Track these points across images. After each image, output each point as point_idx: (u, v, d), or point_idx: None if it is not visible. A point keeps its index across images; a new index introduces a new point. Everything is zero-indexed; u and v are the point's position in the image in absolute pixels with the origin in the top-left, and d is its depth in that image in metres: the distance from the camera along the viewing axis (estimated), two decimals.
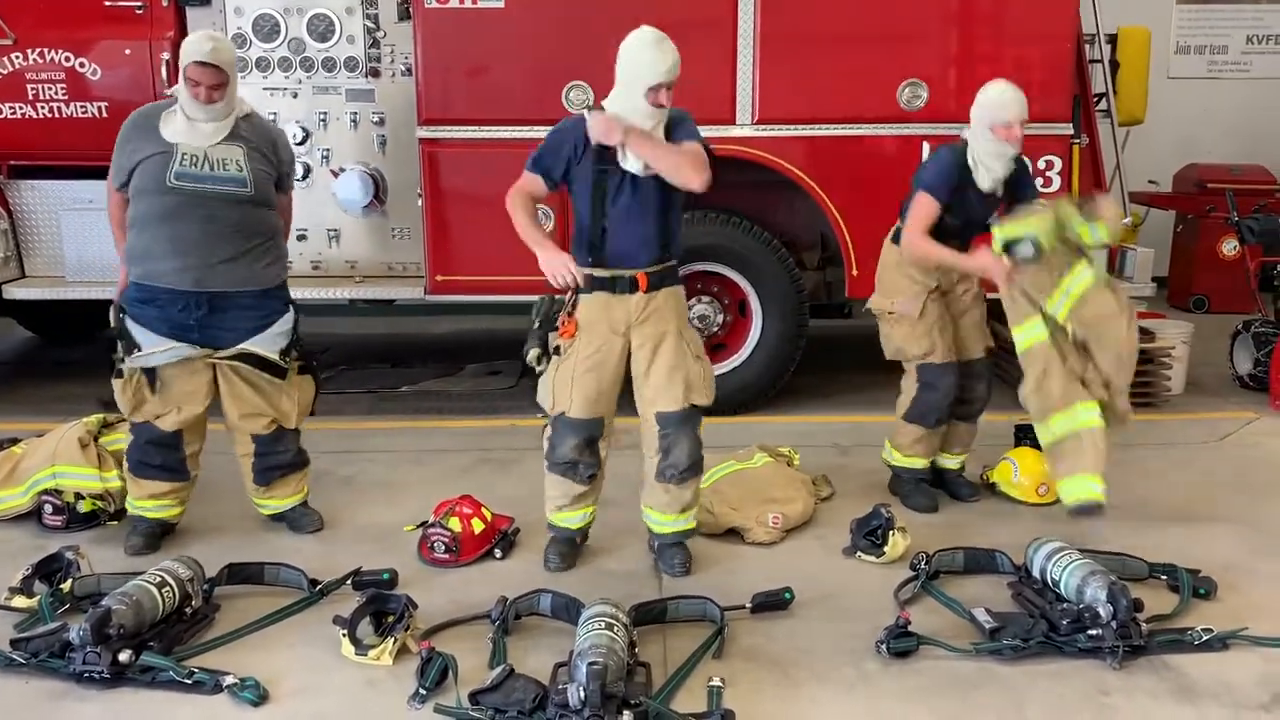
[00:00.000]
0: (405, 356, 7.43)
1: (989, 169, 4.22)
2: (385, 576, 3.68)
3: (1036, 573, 3.63)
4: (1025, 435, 4.94)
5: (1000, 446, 4.96)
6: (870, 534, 3.99)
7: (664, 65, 3.59)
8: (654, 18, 5.46)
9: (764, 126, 5.59)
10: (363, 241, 5.98)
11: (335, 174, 5.82)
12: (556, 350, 3.80)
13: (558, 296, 3.80)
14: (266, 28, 5.72)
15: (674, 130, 3.71)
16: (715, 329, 5.94)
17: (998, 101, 4.16)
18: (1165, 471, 5.01)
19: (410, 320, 8.43)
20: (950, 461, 4.70)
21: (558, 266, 3.58)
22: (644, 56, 3.61)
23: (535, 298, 3.88)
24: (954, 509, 4.57)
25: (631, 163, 3.64)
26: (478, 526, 3.96)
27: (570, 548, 4.03)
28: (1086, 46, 6.08)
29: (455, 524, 3.93)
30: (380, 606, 3.32)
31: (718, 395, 5.72)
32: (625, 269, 3.72)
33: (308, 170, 5.85)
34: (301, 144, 5.81)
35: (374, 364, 7.27)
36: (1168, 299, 9.08)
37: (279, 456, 4.19)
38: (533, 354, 3.80)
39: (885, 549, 3.92)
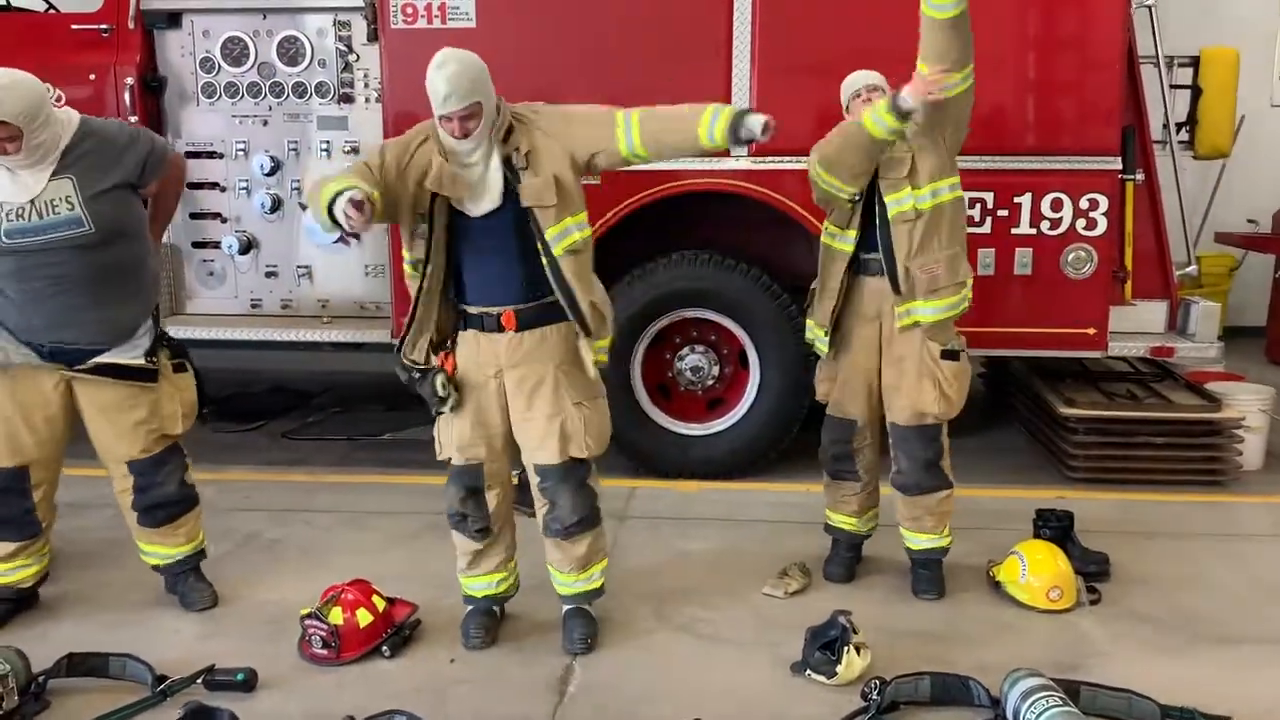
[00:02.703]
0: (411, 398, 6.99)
1: None
2: (240, 677, 3.19)
3: (1010, 715, 2.93)
4: (1046, 522, 4.21)
5: (1016, 533, 4.23)
6: (827, 647, 3.33)
7: (441, 92, 3.15)
8: (641, 40, 5.08)
9: (762, 158, 4.98)
10: (334, 279, 5.57)
11: (303, 207, 5.43)
12: (457, 386, 3.45)
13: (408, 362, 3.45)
14: (235, 51, 5.38)
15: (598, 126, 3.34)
16: (711, 382, 5.34)
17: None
18: (1218, 571, 4.18)
19: None
20: (915, 540, 3.97)
21: None
22: (429, 81, 3.18)
23: None
24: (946, 612, 3.85)
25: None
26: (364, 619, 3.44)
27: (490, 619, 3.64)
28: (1159, 70, 5.32)
29: (336, 615, 3.41)
30: None
31: (713, 458, 5.30)
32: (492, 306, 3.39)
33: (278, 203, 5.48)
34: (271, 174, 5.45)
35: (372, 406, 6.87)
36: (1266, 352, 8.09)
37: (162, 490, 3.72)
38: (441, 377, 3.40)
39: (839, 668, 3.26)
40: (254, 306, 5.62)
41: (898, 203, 3.70)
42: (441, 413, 3.46)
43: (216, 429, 6.23)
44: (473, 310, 3.41)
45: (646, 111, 3.33)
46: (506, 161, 3.27)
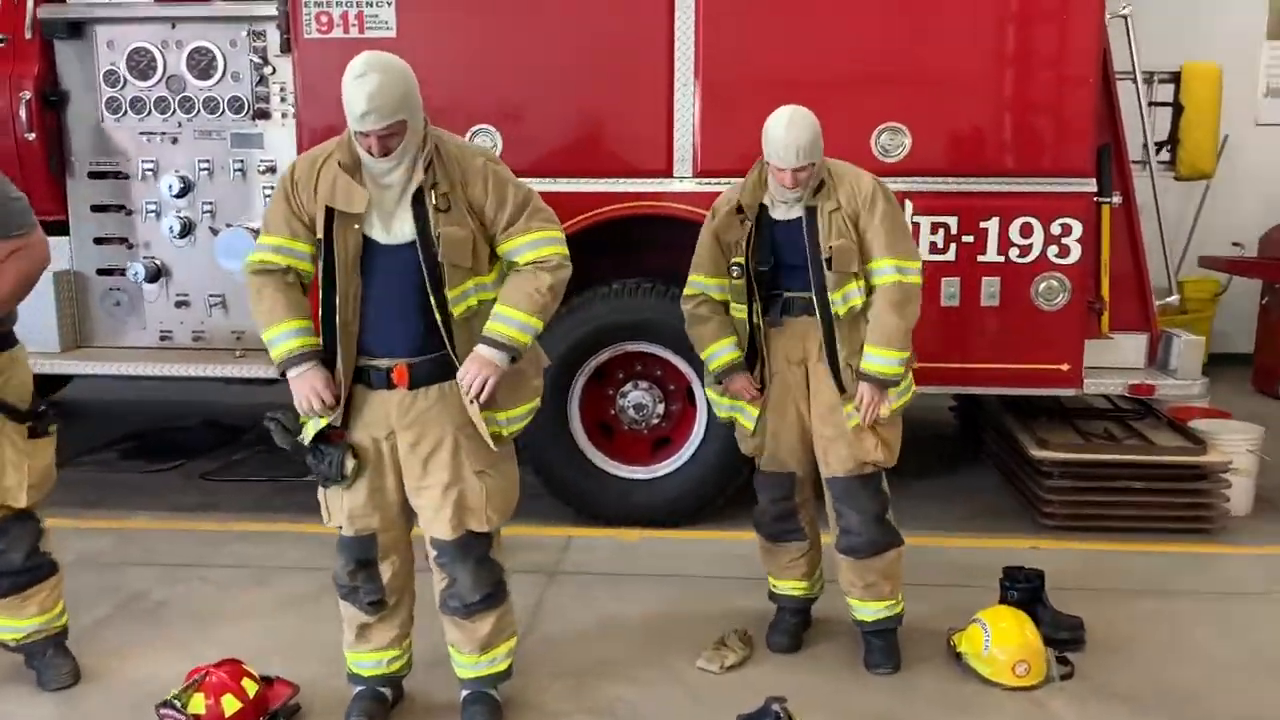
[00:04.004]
0: None
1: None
2: None
3: None
4: (1014, 583, 3.79)
5: (983, 591, 3.83)
6: None
7: (358, 109, 2.72)
8: (575, 53, 4.69)
9: (707, 180, 4.59)
10: (249, 309, 5.12)
11: (214, 232, 5.02)
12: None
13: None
14: (142, 64, 4.97)
15: (510, 221, 2.92)
16: (656, 420, 4.92)
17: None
18: (1203, 637, 3.78)
19: None
20: (862, 610, 3.56)
21: None
22: (345, 92, 2.75)
23: None
24: (900, 688, 3.43)
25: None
26: (230, 706, 3.01)
27: (377, 705, 3.19)
28: (1136, 86, 4.96)
29: (198, 704, 2.99)
30: None
31: (657, 504, 4.88)
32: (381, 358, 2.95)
33: (189, 227, 5.07)
34: (181, 196, 5.04)
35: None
36: (1252, 381, 7.72)
37: (4, 558, 3.28)
38: (352, 463, 2.96)
39: None
40: (164, 339, 5.20)
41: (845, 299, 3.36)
42: (331, 485, 3.02)
43: (128, 469, 5.80)
44: (360, 362, 2.96)
45: (531, 275, 2.94)
46: (418, 196, 2.84)
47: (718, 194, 4.50)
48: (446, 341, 2.89)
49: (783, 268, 3.45)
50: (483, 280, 2.94)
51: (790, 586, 3.71)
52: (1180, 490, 4.72)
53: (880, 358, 3.31)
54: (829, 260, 3.30)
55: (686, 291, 3.61)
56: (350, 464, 2.95)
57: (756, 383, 3.50)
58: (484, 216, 2.91)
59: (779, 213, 3.45)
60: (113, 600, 4.05)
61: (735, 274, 3.45)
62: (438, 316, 2.87)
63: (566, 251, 2.99)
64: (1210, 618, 3.94)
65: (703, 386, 4.70)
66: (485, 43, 4.63)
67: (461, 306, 2.90)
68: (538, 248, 2.93)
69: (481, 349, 2.87)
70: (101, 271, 5.17)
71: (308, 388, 2.88)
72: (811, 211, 3.35)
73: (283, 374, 2.94)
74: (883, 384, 3.32)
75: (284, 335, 2.92)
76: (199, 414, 6.91)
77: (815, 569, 3.74)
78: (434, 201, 2.84)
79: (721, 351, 3.51)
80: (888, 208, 3.37)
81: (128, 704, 3.28)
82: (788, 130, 3.24)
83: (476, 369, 2.85)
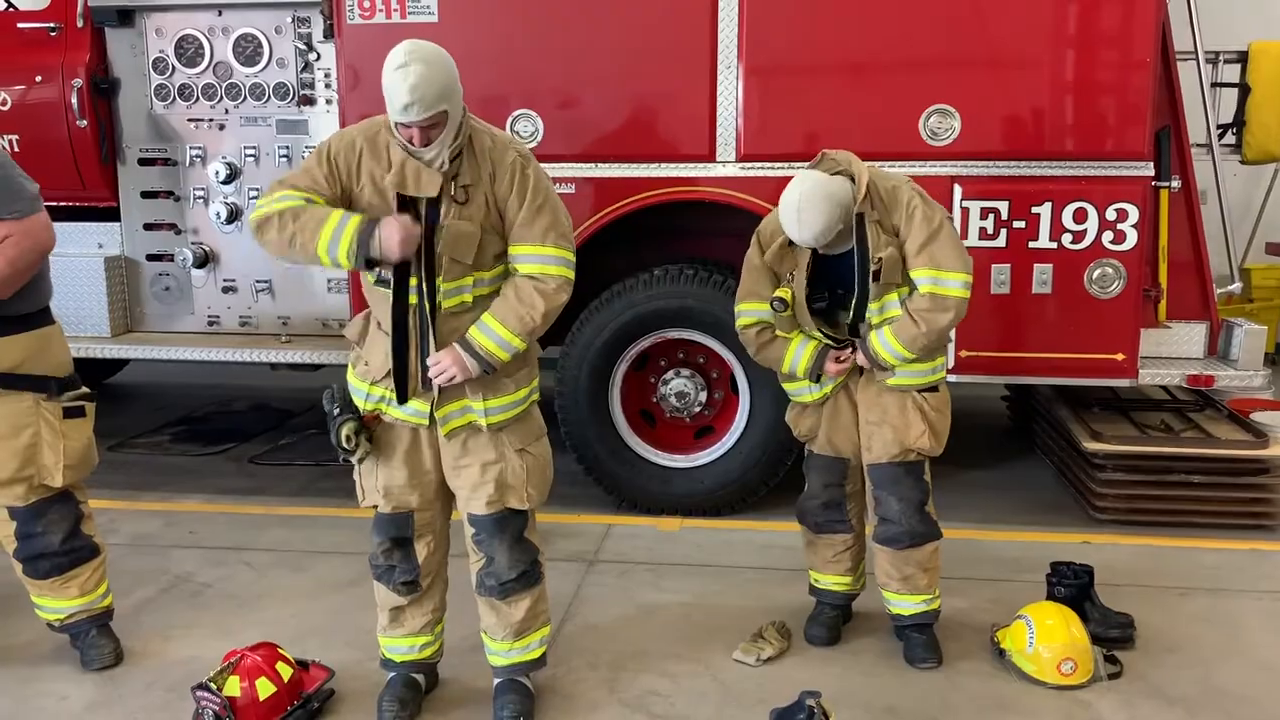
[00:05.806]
0: None
1: None
2: None
3: None
4: (1061, 579, 3.69)
5: (1030, 586, 3.74)
6: None
7: (400, 100, 2.67)
8: (617, 37, 4.63)
9: (750, 164, 4.52)
10: (295, 295, 5.18)
11: None
12: (370, 437, 3.00)
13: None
14: (190, 51, 5.02)
15: (525, 224, 2.87)
16: (698, 408, 4.87)
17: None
18: (1263, 640, 3.64)
19: None
20: (899, 604, 3.49)
21: None
22: (386, 83, 2.71)
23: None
24: (939, 685, 3.35)
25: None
26: (265, 689, 3.02)
27: (410, 691, 3.18)
28: (1198, 66, 4.79)
29: (233, 686, 3.00)
30: None
31: (696, 494, 4.83)
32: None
33: (235, 213, 5.11)
34: (228, 183, 5.08)
35: None
36: None
37: (43, 540, 3.32)
38: (348, 428, 2.93)
39: None
40: (211, 324, 5.25)
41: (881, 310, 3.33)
42: (349, 463, 3.04)
43: (179, 452, 5.89)
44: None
45: (529, 293, 2.87)
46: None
47: (761, 179, 4.51)
48: (431, 330, 2.86)
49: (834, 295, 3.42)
50: (482, 276, 2.90)
51: (833, 582, 3.65)
52: (1240, 485, 4.57)
53: (887, 342, 3.28)
54: (876, 272, 3.24)
55: (741, 322, 3.52)
56: (345, 430, 2.92)
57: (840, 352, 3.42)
58: (505, 211, 2.88)
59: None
60: (158, 582, 4.11)
61: (777, 307, 3.36)
62: (426, 304, 2.83)
63: (571, 276, 2.94)
64: (1268, 618, 3.80)
65: (745, 376, 4.68)
66: (527, 27, 4.59)
67: (454, 300, 2.87)
68: (544, 263, 2.88)
69: (458, 348, 2.85)
70: (151, 257, 5.24)
71: (398, 231, 2.72)
72: (860, 219, 3.26)
73: (369, 263, 2.76)
74: (875, 361, 3.31)
75: (339, 225, 2.73)
76: (248, 398, 7.00)
77: (859, 564, 3.67)
78: (452, 193, 2.81)
79: (799, 353, 3.42)
80: (926, 211, 3.28)
81: (167, 685, 3.32)
82: (800, 229, 3.19)
83: (449, 363, 2.84)
